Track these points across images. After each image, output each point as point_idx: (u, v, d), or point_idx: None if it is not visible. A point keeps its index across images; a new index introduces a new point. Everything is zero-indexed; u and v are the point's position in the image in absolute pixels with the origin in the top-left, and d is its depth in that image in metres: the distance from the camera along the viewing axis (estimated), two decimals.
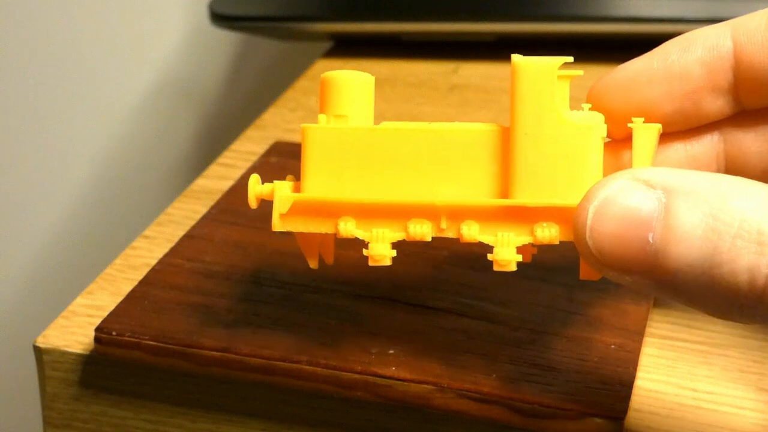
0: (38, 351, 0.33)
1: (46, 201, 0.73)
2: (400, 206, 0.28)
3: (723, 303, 0.24)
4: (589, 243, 0.25)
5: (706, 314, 0.25)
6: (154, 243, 0.37)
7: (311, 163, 0.28)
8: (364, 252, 0.28)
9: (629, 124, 0.27)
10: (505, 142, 0.27)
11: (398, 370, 0.30)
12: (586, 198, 0.25)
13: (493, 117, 0.47)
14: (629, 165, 0.28)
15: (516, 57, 0.27)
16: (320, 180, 0.28)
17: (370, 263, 0.28)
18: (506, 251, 0.27)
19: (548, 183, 0.27)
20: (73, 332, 0.33)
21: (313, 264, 0.29)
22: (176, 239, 0.36)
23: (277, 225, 0.28)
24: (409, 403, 0.30)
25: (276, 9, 0.55)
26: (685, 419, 0.30)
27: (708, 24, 0.29)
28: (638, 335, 0.31)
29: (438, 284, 0.33)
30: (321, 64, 0.53)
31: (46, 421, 0.34)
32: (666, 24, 0.49)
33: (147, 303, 0.32)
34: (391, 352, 0.30)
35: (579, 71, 0.28)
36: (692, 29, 0.29)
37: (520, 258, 0.27)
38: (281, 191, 0.28)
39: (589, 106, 0.28)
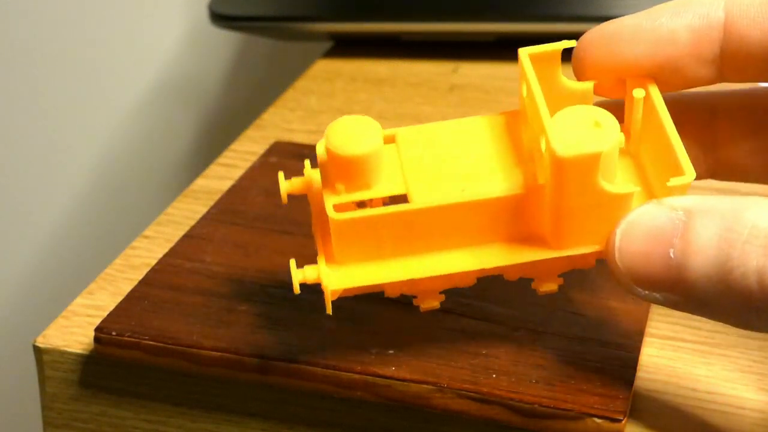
0: (38, 351, 0.33)
1: (46, 201, 0.73)
2: (444, 276, 0.28)
3: (740, 309, 0.25)
4: (619, 263, 0.27)
5: (734, 326, 0.26)
6: (154, 243, 0.37)
7: (346, 244, 0.28)
8: (414, 302, 0.29)
9: (668, 183, 0.27)
10: (543, 196, 0.27)
11: (398, 370, 0.30)
12: (616, 224, 0.27)
13: None
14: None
15: (560, 150, 0.26)
16: (357, 253, 0.28)
17: (421, 311, 0.29)
18: (550, 283, 0.29)
19: (592, 233, 0.27)
20: (73, 332, 0.33)
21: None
22: (176, 239, 0.36)
23: (330, 310, 0.28)
24: (409, 403, 0.30)
25: (276, 9, 0.55)
26: (685, 419, 0.30)
27: None
28: (638, 335, 0.31)
29: None
30: (321, 64, 0.53)
31: (46, 421, 0.34)
32: None
33: (147, 303, 0.32)
34: (391, 352, 0.30)
35: (572, 42, 0.29)
36: None
37: (561, 281, 0.29)
38: (330, 284, 0.28)
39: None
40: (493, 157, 0.29)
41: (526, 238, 0.28)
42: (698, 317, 0.33)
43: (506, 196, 0.28)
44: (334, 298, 0.28)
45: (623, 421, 0.28)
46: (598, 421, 0.28)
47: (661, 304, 0.27)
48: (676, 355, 0.32)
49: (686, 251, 0.26)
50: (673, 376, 0.31)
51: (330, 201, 0.28)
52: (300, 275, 0.28)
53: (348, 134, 0.27)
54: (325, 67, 0.53)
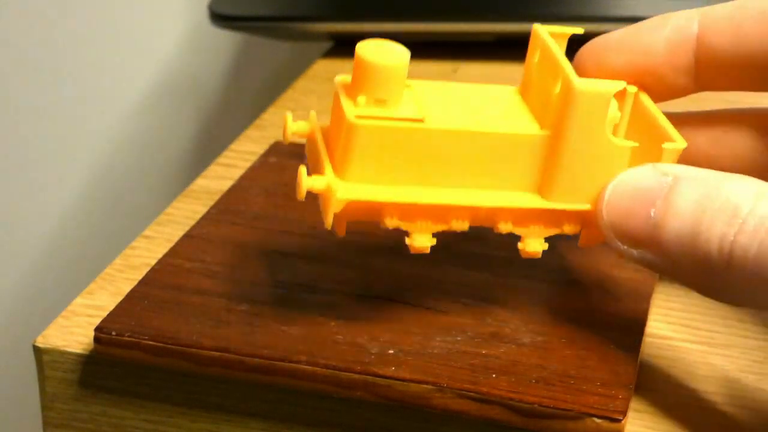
0: (38, 351, 0.33)
1: (47, 201, 0.73)
2: (443, 206, 0.29)
3: (702, 274, 0.27)
4: (605, 216, 0.28)
5: (697, 292, 0.28)
6: (154, 243, 0.37)
7: (357, 155, 0.29)
8: (406, 240, 0.29)
9: (663, 145, 0.29)
10: (548, 146, 0.29)
11: (398, 370, 0.30)
12: (610, 181, 0.29)
13: None
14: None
15: (577, 82, 0.28)
16: (364, 171, 0.29)
17: (411, 251, 0.29)
18: (536, 243, 0.30)
19: (585, 189, 0.29)
20: (73, 332, 0.33)
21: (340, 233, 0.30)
22: (176, 239, 0.36)
23: (330, 223, 0.29)
24: (409, 403, 0.30)
25: (276, 9, 0.55)
26: (685, 419, 0.30)
27: None
28: (638, 335, 0.31)
29: (438, 284, 0.33)
30: (321, 64, 0.53)
31: (46, 421, 0.34)
32: None
33: (147, 303, 0.32)
34: (391, 352, 0.30)
35: (579, 29, 0.31)
36: None
37: (546, 247, 0.30)
38: (336, 192, 0.28)
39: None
40: (504, 110, 0.30)
41: (522, 189, 0.29)
42: (699, 317, 0.33)
43: (516, 134, 0.29)
44: (337, 210, 0.28)
45: (623, 421, 0.28)
46: (598, 421, 0.28)
47: (638, 263, 0.28)
48: (676, 355, 0.32)
49: (665, 212, 0.27)
50: (672, 376, 0.31)
51: (351, 111, 0.29)
52: (309, 183, 0.28)
53: (379, 48, 0.29)
54: (325, 67, 0.53)
